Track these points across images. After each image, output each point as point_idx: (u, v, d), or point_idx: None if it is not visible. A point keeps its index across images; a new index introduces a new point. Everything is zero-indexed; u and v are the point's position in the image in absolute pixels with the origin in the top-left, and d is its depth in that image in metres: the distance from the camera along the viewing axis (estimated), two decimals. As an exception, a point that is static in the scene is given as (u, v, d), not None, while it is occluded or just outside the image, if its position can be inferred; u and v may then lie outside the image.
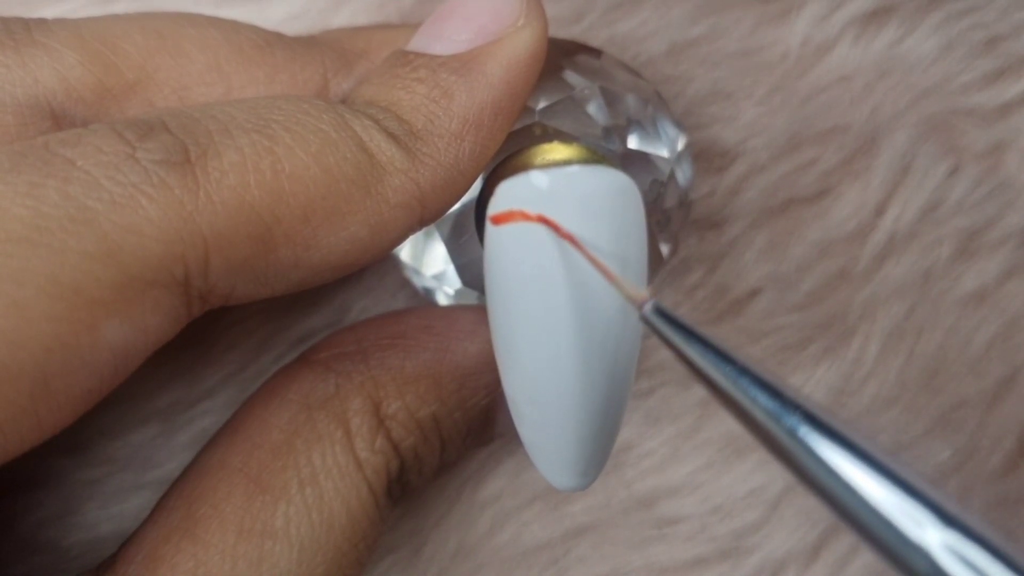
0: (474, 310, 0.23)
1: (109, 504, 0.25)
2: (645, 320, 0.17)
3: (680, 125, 0.24)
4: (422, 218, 0.19)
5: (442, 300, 0.25)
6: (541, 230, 0.17)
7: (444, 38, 0.20)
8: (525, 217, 0.17)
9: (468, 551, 0.27)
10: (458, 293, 0.24)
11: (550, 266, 0.17)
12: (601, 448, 0.19)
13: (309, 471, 0.20)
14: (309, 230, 0.17)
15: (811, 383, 0.27)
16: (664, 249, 0.24)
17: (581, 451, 0.19)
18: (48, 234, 0.15)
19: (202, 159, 0.17)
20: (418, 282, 0.25)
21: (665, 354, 0.27)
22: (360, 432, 0.21)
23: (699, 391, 0.27)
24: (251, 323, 0.26)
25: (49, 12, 0.26)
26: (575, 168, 0.18)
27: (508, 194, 0.18)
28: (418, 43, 0.21)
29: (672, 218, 0.24)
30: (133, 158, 0.16)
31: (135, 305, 0.16)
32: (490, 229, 0.18)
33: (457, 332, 0.23)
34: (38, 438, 0.16)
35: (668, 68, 0.27)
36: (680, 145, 0.24)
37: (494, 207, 0.18)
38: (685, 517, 0.27)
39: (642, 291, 0.17)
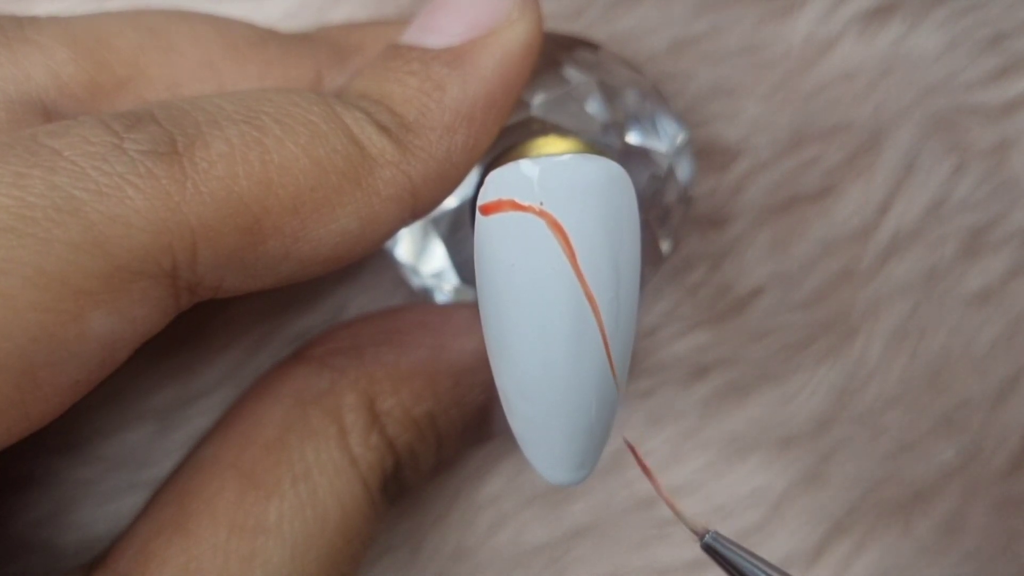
0: (469, 307, 0.23)
1: (104, 503, 0.25)
2: (706, 549, 0.18)
3: (679, 120, 0.24)
4: (414, 211, 0.19)
5: (440, 298, 0.25)
6: (531, 219, 0.17)
7: (437, 31, 0.20)
8: (515, 206, 0.17)
9: (467, 551, 0.26)
10: (456, 290, 0.24)
11: (540, 256, 0.17)
12: (595, 442, 0.19)
13: (302, 467, 0.20)
14: (298, 222, 0.17)
15: (814, 382, 0.27)
16: (664, 246, 0.24)
17: (574, 445, 0.19)
18: (34, 224, 0.15)
19: (190, 150, 0.17)
20: (416, 281, 0.25)
21: (666, 353, 0.27)
22: (354, 428, 0.21)
23: (700, 391, 0.27)
24: (247, 321, 0.26)
25: (42, 9, 0.26)
26: (566, 157, 0.17)
27: (498, 183, 0.18)
28: (411, 36, 0.20)
29: (672, 214, 0.24)
30: (120, 148, 0.16)
31: (122, 296, 0.16)
32: (480, 219, 0.18)
33: (452, 329, 0.23)
34: (25, 430, 0.16)
35: (669, 65, 0.27)
36: (679, 141, 0.24)
37: (484, 197, 0.18)
38: (686, 517, 0.26)
39: (701, 521, 0.18)
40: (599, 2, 0.26)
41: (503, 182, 0.17)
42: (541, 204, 0.17)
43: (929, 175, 0.26)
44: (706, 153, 0.27)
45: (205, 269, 0.17)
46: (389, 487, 0.22)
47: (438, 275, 0.24)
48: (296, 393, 0.21)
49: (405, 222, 0.19)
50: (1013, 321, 0.26)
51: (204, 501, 0.20)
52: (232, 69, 0.21)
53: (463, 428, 0.23)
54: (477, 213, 0.18)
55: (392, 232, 0.19)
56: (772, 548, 0.26)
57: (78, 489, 0.25)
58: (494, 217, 0.17)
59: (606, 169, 0.17)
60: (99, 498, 0.25)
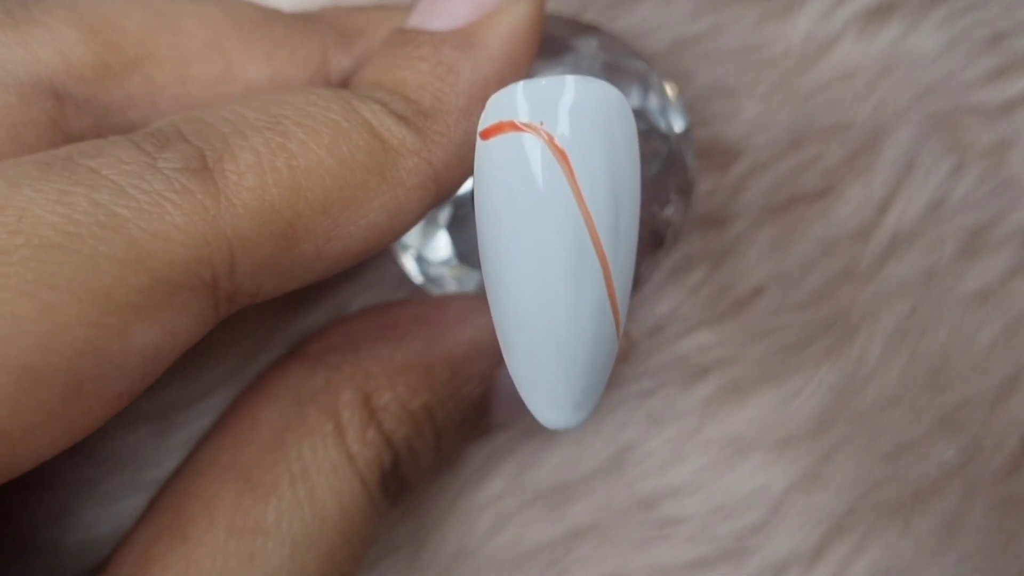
0: (464, 298, 0.23)
1: (106, 504, 0.25)
2: None
3: (680, 105, 0.24)
4: (437, 196, 0.19)
5: (443, 286, 0.24)
6: (531, 139, 0.17)
7: (443, 13, 0.20)
8: (514, 127, 0.17)
9: (468, 552, 0.26)
10: (459, 280, 0.24)
11: (540, 177, 0.17)
12: (594, 380, 0.18)
13: (300, 466, 0.20)
14: (329, 222, 0.17)
15: (814, 382, 0.27)
16: (666, 233, 0.24)
17: (572, 382, 0.18)
18: (79, 240, 0.15)
19: (219, 163, 0.17)
20: (419, 270, 0.24)
21: (667, 354, 0.27)
22: (351, 425, 0.21)
23: (701, 391, 0.27)
24: (249, 322, 0.26)
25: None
26: (566, 78, 0.17)
27: (498, 106, 0.17)
28: (417, 20, 0.20)
29: (674, 199, 0.24)
30: (154, 167, 0.16)
31: (164, 309, 0.16)
32: (480, 145, 0.18)
33: (448, 320, 0.23)
34: (69, 441, 0.16)
35: (669, 64, 0.27)
36: (683, 126, 0.24)
37: (484, 122, 0.17)
38: (687, 517, 0.26)
39: None
40: (599, 1, 0.26)
41: (503, 105, 0.17)
42: (541, 123, 0.17)
43: (928, 175, 0.26)
44: (706, 153, 0.27)
45: (243, 278, 0.17)
46: (388, 484, 0.22)
47: (442, 263, 0.24)
48: (292, 391, 0.21)
49: (429, 208, 0.19)
50: (1013, 321, 0.26)
51: (202, 504, 0.20)
52: (239, 49, 0.21)
53: (461, 421, 0.23)
54: (478, 139, 0.18)
55: (417, 220, 0.19)
56: (772, 548, 0.26)
57: (80, 490, 0.25)
58: (494, 140, 0.17)
59: (605, 92, 0.17)
60: (102, 499, 0.25)
